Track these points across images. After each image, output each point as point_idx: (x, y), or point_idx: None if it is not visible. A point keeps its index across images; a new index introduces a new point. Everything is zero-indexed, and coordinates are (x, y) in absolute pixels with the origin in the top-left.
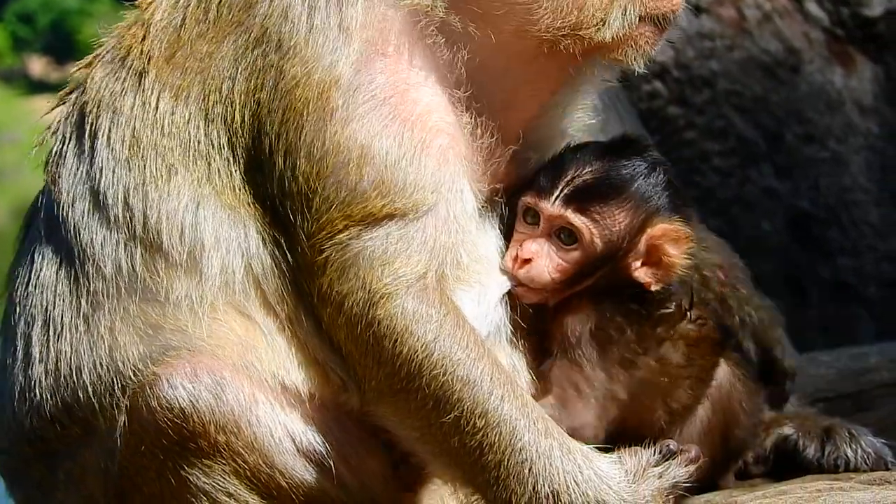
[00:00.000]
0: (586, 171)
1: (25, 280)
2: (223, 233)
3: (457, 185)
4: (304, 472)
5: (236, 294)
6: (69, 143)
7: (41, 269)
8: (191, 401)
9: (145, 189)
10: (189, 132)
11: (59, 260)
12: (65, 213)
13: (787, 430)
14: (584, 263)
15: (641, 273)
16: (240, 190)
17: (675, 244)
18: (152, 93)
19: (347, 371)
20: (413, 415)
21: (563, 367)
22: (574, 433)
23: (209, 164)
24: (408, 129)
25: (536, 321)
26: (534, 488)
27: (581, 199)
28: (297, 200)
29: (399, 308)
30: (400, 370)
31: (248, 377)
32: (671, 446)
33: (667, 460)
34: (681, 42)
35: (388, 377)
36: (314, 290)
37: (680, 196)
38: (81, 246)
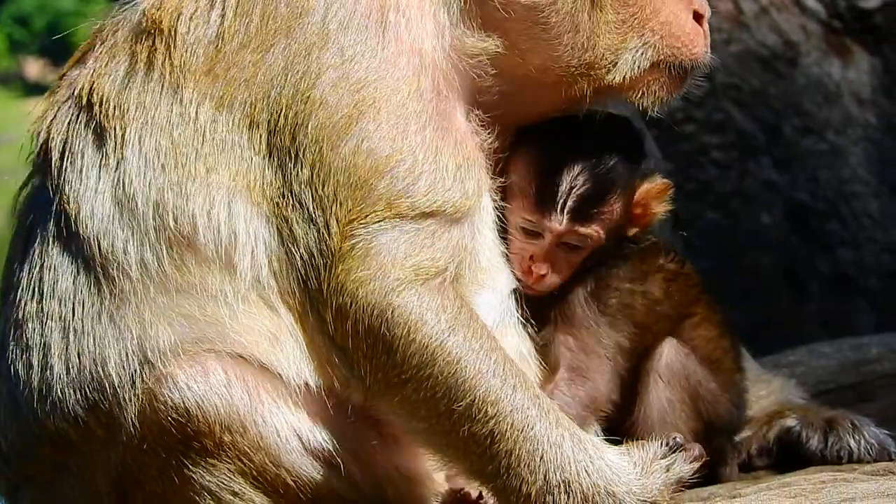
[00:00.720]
0: (578, 177)
1: (34, 295)
2: (252, 227)
3: (485, 198)
4: (312, 471)
5: (264, 288)
6: (84, 157)
7: (55, 281)
8: (196, 401)
9: (181, 187)
10: (233, 139)
11: (75, 270)
12: (81, 225)
13: (790, 421)
14: (591, 254)
15: (629, 231)
16: (268, 187)
17: (656, 199)
18: (191, 104)
19: (350, 366)
20: (422, 405)
21: (568, 333)
22: (593, 397)
23: (249, 165)
24: (461, 144)
25: (536, 305)
26: (545, 477)
27: (584, 208)
28: (340, 189)
29: (415, 297)
30: (411, 359)
31: (267, 374)
32: (678, 439)
33: (673, 453)
34: None
35: (397, 366)
36: (327, 281)
37: (643, 143)
38: (101, 253)
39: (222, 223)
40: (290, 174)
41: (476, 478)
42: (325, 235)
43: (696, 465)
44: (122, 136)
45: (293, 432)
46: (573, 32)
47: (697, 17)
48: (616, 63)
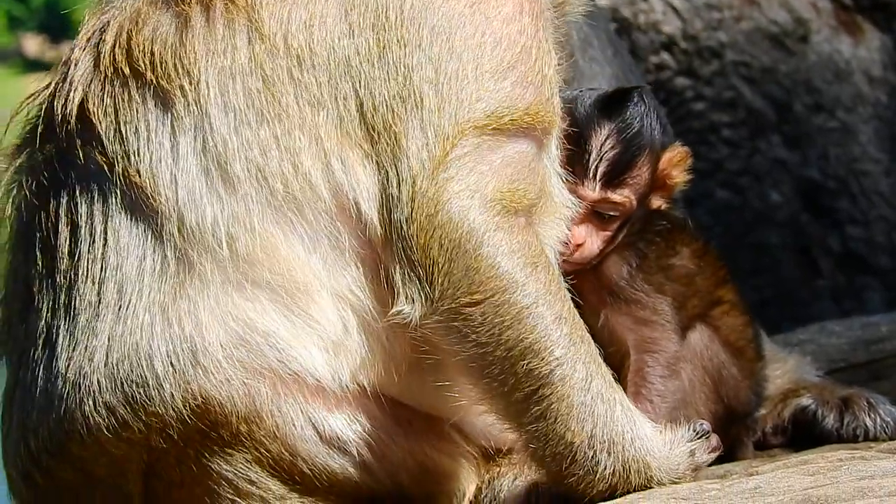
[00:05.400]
0: (607, 141)
1: (87, 274)
2: (359, 175)
3: (554, 139)
4: (328, 460)
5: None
6: (150, 124)
7: (118, 265)
8: (213, 392)
9: (289, 139)
10: (335, 52)
11: (141, 254)
12: (159, 198)
13: (806, 400)
14: (623, 223)
15: (655, 201)
16: (377, 99)
17: (677, 167)
18: (277, 35)
19: (421, 281)
20: (484, 329)
21: (623, 312)
22: (672, 369)
23: (357, 85)
24: (552, 67)
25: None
26: (591, 432)
27: (615, 175)
28: (445, 98)
29: (507, 224)
30: (489, 282)
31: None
32: (704, 426)
33: (699, 439)
34: (688, 13)
35: (473, 285)
36: (420, 188)
37: (662, 111)
38: (185, 229)
39: (336, 174)
40: (412, 70)
41: (514, 419)
42: (435, 138)
43: (714, 455)
44: (195, 94)
45: (309, 422)
46: None
47: None
48: None
